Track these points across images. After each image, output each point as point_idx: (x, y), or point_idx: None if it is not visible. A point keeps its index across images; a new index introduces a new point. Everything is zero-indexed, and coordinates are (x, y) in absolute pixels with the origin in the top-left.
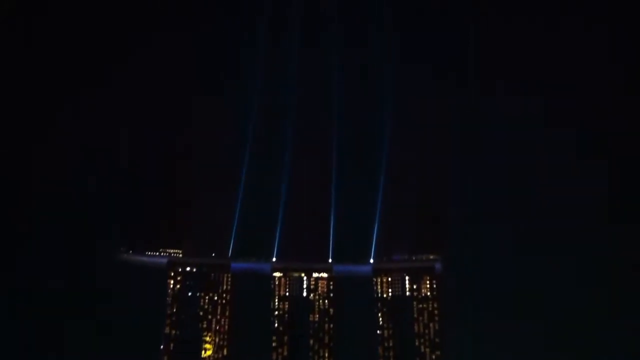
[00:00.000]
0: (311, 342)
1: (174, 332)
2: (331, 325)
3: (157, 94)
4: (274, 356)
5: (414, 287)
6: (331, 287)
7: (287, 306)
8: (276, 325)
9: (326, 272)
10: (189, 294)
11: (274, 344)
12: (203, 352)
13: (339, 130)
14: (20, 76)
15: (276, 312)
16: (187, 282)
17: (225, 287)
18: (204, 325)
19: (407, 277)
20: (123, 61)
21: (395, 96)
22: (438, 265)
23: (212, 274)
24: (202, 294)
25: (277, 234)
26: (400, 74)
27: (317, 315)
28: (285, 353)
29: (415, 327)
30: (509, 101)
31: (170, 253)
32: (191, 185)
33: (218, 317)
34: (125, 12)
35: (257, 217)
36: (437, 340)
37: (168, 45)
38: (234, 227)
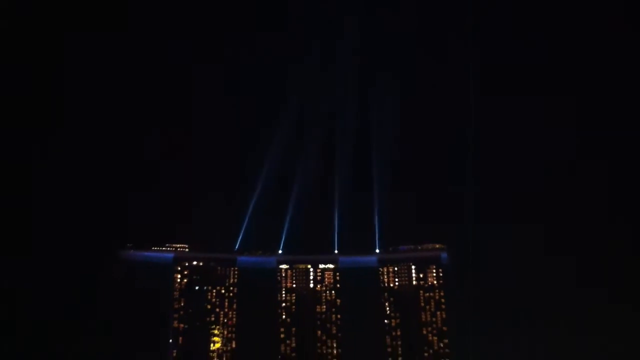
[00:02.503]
0: (319, 333)
1: (182, 325)
2: (338, 316)
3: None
4: (282, 348)
5: (420, 276)
6: (337, 278)
7: (293, 298)
8: (283, 317)
9: (332, 264)
10: (196, 288)
11: (281, 336)
12: (212, 344)
13: (342, 122)
14: None
15: (283, 304)
16: (194, 277)
17: (232, 280)
18: (212, 319)
19: (413, 267)
20: None
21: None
22: (444, 255)
23: (219, 268)
24: (209, 288)
25: (283, 227)
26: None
27: (324, 306)
28: (294, 344)
29: (423, 316)
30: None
31: (176, 248)
32: (197, 181)
33: (226, 310)
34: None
35: (262, 211)
36: (444, 328)
37: None
38: (241, 222)
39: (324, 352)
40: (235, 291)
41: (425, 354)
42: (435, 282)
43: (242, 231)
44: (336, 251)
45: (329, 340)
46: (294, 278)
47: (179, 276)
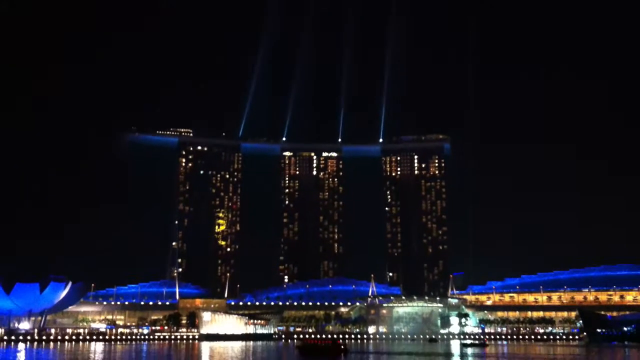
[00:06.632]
0: (321, 218)
1: (187, 208)
2: (340, 203)
3: None
4: (285, 232)
5: (423, 166)
6: (340, 166)
7: (297, 185)
8: (286, 202)
9: (336, 152)
10: (201, 172)
11: (285, 220)
12: (216, 227)
13: (349, 14)
14: None
15: (286, 190)
16: (199, 161)
17: (236, 166)
18: (217, 202)
19: (415, 157)
20: None
21: None
22: (447, 145)
23: (223, 154)
24: (214, 173)
25: (287, 115)
26: None
27: (327, 194)
28: (296, 229)
29: (423, 205)
30: None
31: (180, 132)
32: (202, 66)
33: (230, 194)
34: None
35: (266, 98)
36: (443, 216)
37: None
38: (245, 108)
39: (326, 236)
40: (239, 177)
41: (424, 241)
42: (437, 172)
43: (246, 117)
44: (340, 140)
45: (330, 226)
46: (297, 165)
47: (183, 160)
